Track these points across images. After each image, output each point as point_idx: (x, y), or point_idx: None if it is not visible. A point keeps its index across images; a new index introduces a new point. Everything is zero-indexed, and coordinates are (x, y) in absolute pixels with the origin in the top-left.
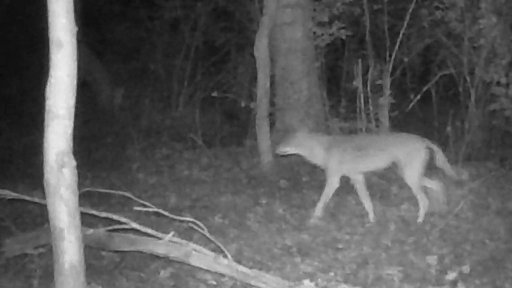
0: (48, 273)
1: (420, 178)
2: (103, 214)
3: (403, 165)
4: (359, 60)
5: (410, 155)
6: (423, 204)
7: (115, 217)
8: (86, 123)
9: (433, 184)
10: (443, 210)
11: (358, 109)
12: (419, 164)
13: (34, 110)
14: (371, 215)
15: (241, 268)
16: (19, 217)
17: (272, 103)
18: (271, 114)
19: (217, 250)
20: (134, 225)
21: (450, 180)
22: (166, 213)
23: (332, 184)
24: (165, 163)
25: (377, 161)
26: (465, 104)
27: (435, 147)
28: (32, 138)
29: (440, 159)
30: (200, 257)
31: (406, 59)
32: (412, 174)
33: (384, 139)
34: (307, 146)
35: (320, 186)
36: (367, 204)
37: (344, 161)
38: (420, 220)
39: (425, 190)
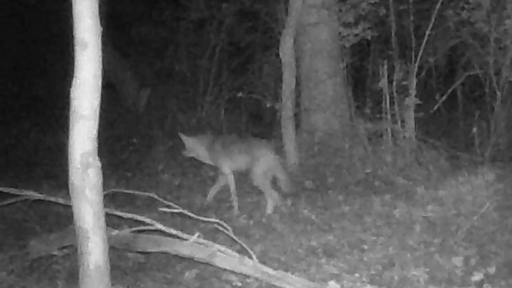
0: (73, 274)
1: (264, 179)
2: (128, 215)
3: (250, 168)
4: (385, 61)
5: (255, 160)
6: (273, 198)
7: (140, 218)
8: (111, 124)
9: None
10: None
11: (383, 110)
12: (261, 168)
13: (59, 111)
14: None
15: (266, 269)
16: (44, 218)
17: (297, 104)
18: (296, 115)
19: (242, 251)
20: (159, 226)
21: (476, 181)
22: (191, 214)
23: (227, 176)
24: (190, 164)
25: (238, 161)
26: (490, 105)
27: (272, 155)
28: (57, 139)
29: (278, 166)
30: (225, 258)
31: (431, 60)
32: (257, 176)
33: (242, 143)
34: (193, 148)
35: (346, 186)
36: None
37: (223, 155)
38: (268, 211)
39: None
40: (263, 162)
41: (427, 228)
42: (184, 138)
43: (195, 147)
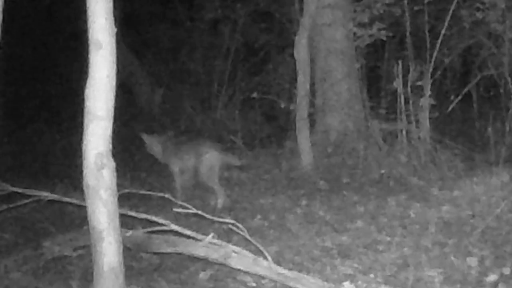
0: (87, 274)
1: (210, 175)
2: (143, 216)
3: (197, 166)
4: (399, 61)
5: (200, 157)
6: (220, 196)
7: (154, 218)
8: (125, 124)
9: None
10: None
11: (398, 110)
12: (205, 165)
13: (73, 111)
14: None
15: (281, 270)
16: (58, 218)
17: (312, 104)
18: (311, 115)
19: (257, 252)
20: (174, 226)
21: (491, 182)
22: (205, 215)
23: (174, 174)
24: None
25: (185, 160)
26: (505, 105)
27: (216, 152)
28: (71, 140)
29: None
30: (239, 258)
31: (446, 60)
32: (203, 173)
33: (189, 143)
34: (150, 146)
35: (361, 187)
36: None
37: (173, 154)
38: (219, 206)
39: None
40: (207, 160)
41: (442, 229)
42: (144, 136)
43: (152, 145)
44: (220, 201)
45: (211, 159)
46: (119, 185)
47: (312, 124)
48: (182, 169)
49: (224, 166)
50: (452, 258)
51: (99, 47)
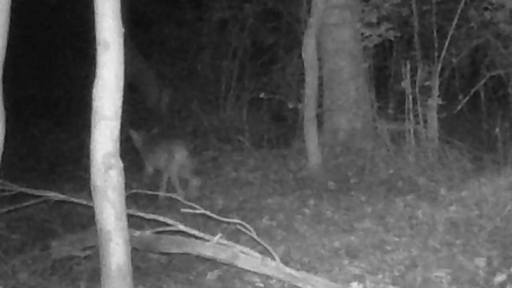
0: (95, 275)
1: (175, 174)
2: (150, 216)
3: (168, 164)
4: (407, 61)
5: (172, 155)
6: (179, 192)
7: (162, 219)
8: (133, 125)
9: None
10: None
11: (406, 111)
12: (175, 163)
13: (81, 112)
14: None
15: (288, 270)
16: (66, 219)
17: (320, 105)
18: (318, 116)
19: (265, 252)
20: (181, 227)
21: (499, 182)
22: (213, 215)
23: (147, 170)
24: (212, 165)
25: (158, 157)
26: None
27: (186, 152)
28: (79, 140)
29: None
30: (247, 259)
31: (454, 60)
32: (172, 170)
33: (163, 142)
34: (135, 142)
35: (369, 187)
36: None
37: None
38: (194, 184)
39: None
40: (178, 158)
41: (450, 229)
42: (130, 132)
43: (136, 141)
44: (194, 181)
45: (180, 158)
46: (127, 186)
47: (320, 124)
48: (155, 166)
49: (186, 168)
50: (460, 258)
51: (107, 47)
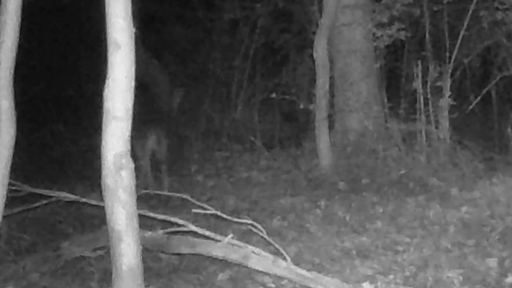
0: (106, 275)
1: (148, 161)
2: (161, 217)
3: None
4: (419, 62)
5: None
6: (150, 181)
7: (173, 219)
8: (144, 125)
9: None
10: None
11: (417, 111)
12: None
13: (92, 112)
14: None
15: (300, 270)
16: (76, 219)
17: (331, 105)
18: (330, 116)
19: (276, 253)
20: (193, 227)
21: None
22: (224, 215)
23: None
24: (223, 165)
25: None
26: None
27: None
28: (89, 140)
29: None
30: (258, 259)
31: (466, 61)
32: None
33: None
34: None
35: (380, 188)
36: None
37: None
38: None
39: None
40: (150, 144)
41: (462, 230)
42: None
43: None
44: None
45: (151, 143)
46: (138, 186)
47: (331, 124)
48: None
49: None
50: (472, 259)
51: (118, 47)
